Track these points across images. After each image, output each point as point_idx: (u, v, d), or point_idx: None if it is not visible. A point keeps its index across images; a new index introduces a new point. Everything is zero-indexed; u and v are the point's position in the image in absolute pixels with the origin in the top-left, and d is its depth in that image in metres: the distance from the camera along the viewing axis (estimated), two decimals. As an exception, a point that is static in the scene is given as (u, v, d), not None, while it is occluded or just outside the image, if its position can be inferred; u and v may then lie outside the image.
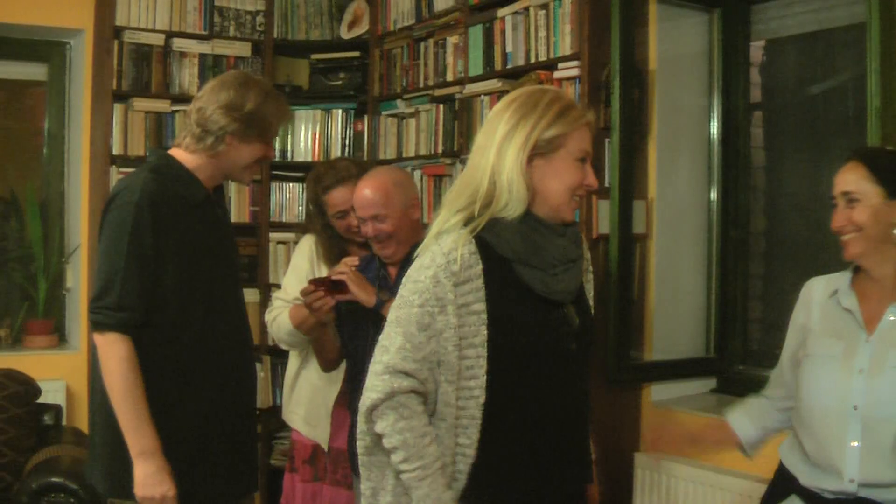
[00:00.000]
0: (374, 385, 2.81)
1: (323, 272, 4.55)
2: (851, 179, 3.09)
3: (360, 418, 2.88)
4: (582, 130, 2.91)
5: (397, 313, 2.86)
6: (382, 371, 2.81)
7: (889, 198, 3.06)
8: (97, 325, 3.44)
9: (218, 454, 3.65)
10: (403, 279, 2.92)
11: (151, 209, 3.47)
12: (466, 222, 2.86)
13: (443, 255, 2.81)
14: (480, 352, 2.79)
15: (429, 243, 2.90)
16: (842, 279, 3.24)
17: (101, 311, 3.42)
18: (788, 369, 3.37)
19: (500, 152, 2.83)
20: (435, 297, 2.79)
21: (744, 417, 3.52)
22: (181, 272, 3.53)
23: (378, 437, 2.86)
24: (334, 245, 4.68)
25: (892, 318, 3.07)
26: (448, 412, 2.84)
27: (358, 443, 2.94)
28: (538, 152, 2.84)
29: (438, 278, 2.79)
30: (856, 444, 2.99)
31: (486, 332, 2.79)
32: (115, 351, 3.41)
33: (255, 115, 3.67)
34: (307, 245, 4.78)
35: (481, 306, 2.79)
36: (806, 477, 3.15)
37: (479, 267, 2.81)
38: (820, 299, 3.27)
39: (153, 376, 3.48)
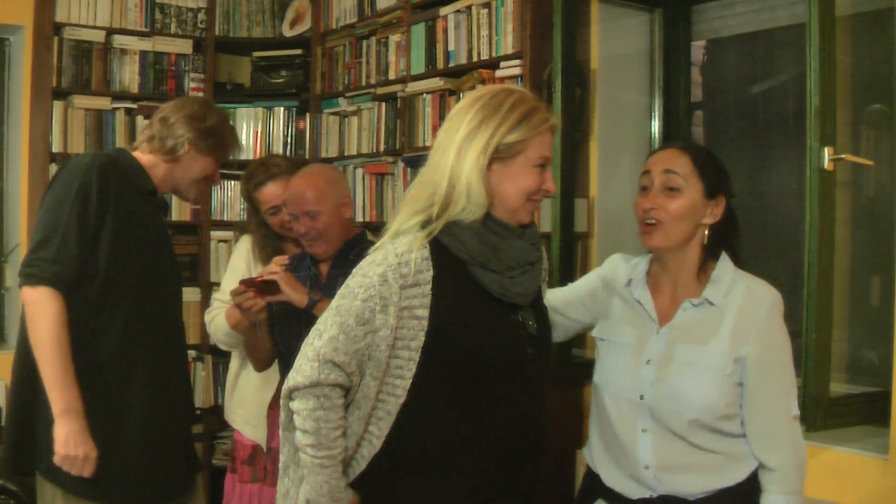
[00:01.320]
0: (302, 369, 2.81)
1: (259, 271, 4.55)
2: (679, 164, 3.07)
3: (282, 394, 2.89)
4: (543, 136, 2.87)
5: (339, 302, 2.85)
6: (313, 357, 2.80)
7: (706, 196, 3.07)
8: (30, 278, 3.42)
9: (154, 447, 3.64)
10: (354, 270, 2.90)
11: (99, 175, 3.52)
12: (424, 224, 2.85)
13: (395, 256, 2.79)
14: (413, 355, 2.78)
15: (384, 242, 2.89)
16: (638, 268, 3.26)
17: (36, 264, 3.42)
18: (583, 301, 3.40)
19: (459, 153, 2.81)
20: (379, 295, 2.77)
21: None
22: (116, 246, 3.53)
23: (295, 416, 2.87)
24: (269, 243, 4.67)
25: (684, 313, 3.08)
26: (365, 403, 2.85)
27: (281, 415, 2.94)
28: (497, 157, 2.81)
29: (386, 277, 2.78)
30: (646, 431, 3.02)
31: (423, 337, 2.78)
32: (46, 306, 3.39)
33: (214, 130, 3.84)
34: (244, 245, 4.78)
35: (424, 312, 2.78)
36: (609, 474, 3.16)
37: (430, 273, 2.79)
38: (616, 285, 3.29)
39: (79, 350, 3.48)
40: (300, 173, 4.06)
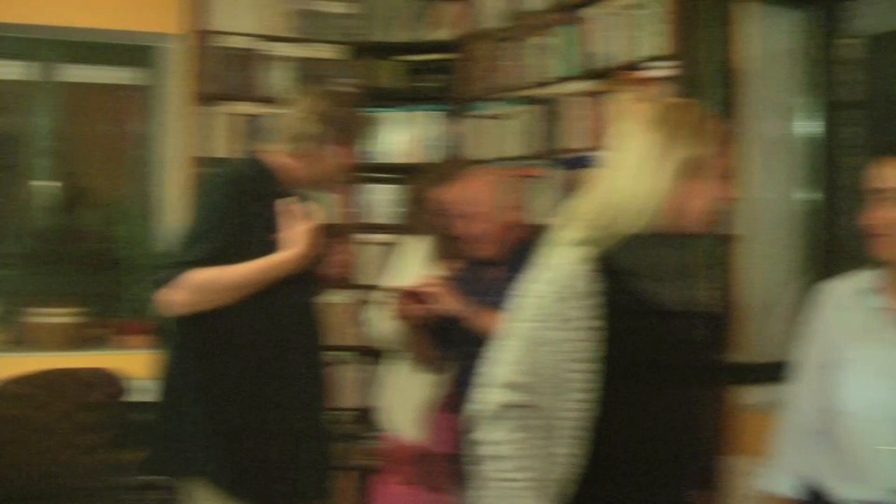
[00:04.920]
0: (485, 396, 2.80)
1: (429, 273, 4.55)
2: None
3: (473, 427, 2.87)
4: (722, 145, 2.86)
5: (513, 325, 2.85)
6: (496, 383, 2.79)
7: None
8: (170, 277, 3.55)
9: (280, 453, 3.70)
10: (521, 291, 2.90)
11: (235, 187, 3.67)
12: (593, 239, 2.82)
13: (563, 270, 2.78)
14: (592, 367, 2.76)
15: (550, 256, 2.88)
16: (866, 279, 3.18)
17: (174, 267, 3.56)
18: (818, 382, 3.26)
19: (642, 174, 2.78)
20: (551, 311, 2.76)
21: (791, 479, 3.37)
22: (243, 254, 3.60)
23: (486, 446, 2.85)
24: (441, 244, 4.67)
25: None
26: (556, 424, 2.81)
27: (471, 451, 2.92)
28: (685, 173, 2.80)
29: (556, 293, 2.76)
30: None
31: (599, 348, 2.76)
32: (198, 280, 3.53)
33: (338, 120, 3.85)
34: (415, 246, 4.80)
35: (596, 323, 2.75)
36: (839, 489, 3.08)
37: (599, 284, 2.76)
38: (844, 303, 3.21)
39: (202, 355, 3.64)
40: (466, 176, 4.12)
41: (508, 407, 2.76)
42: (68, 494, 5.55)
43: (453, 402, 4.09)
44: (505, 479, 2.77)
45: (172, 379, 3.74)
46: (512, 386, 2.77)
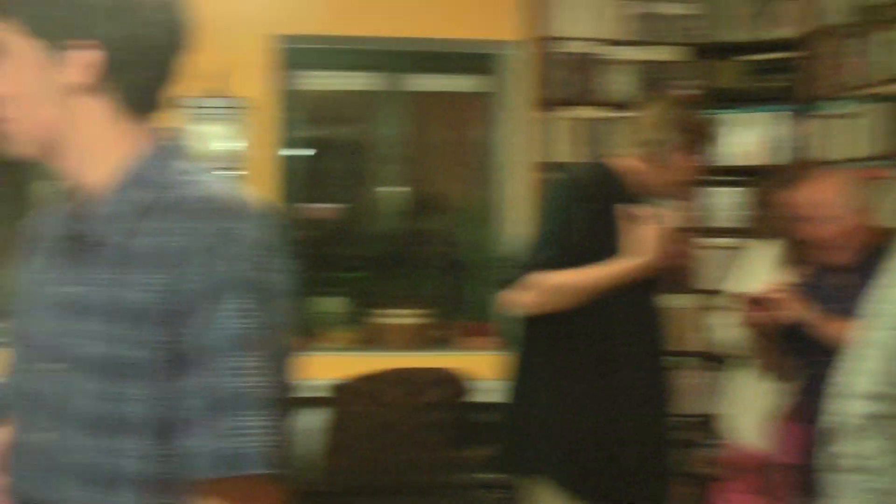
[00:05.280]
0: (850, 407, 2.70)
1: (775, 278, 4.48)
2: None
3: (831, 438, 2.81)
4: None
5: (871, 333, 2.74)
6: (857, 393, 2.69)
7: None
8: (517, 279, 3.63)
9: (623, 456, 3.72)
10: (876, 297, 2.81)
11: (583, 191, 3.74)
12: None
13: None
14: None
15: None
16: None
17: (521, 270, 3.65)
18: None
19: None
20: None
21: None
22: (590, 258, 3.66)
23: (849, 457, 2.78)
24: (789, 249, 4.58)
25: None
26: None
27: (825, 462, 2.86)
28: None
29: None
30: None
31: None
32: (547, 283, 3.60)
33: (687, 124, 3.86)
34: (760, 250, 4.74)
35: None
36: None
37: None
38: None
39: (549, 357, 3.74)
40: (815, 178, 4.08)
41: (872, 418, 2.68)
42: (411, 489, 5.73)
43: (800, 411, 4.01)
44: (870, 489, 2.71)
45: (521, 379, 3.83)
46: (874, 396, 2.67)
